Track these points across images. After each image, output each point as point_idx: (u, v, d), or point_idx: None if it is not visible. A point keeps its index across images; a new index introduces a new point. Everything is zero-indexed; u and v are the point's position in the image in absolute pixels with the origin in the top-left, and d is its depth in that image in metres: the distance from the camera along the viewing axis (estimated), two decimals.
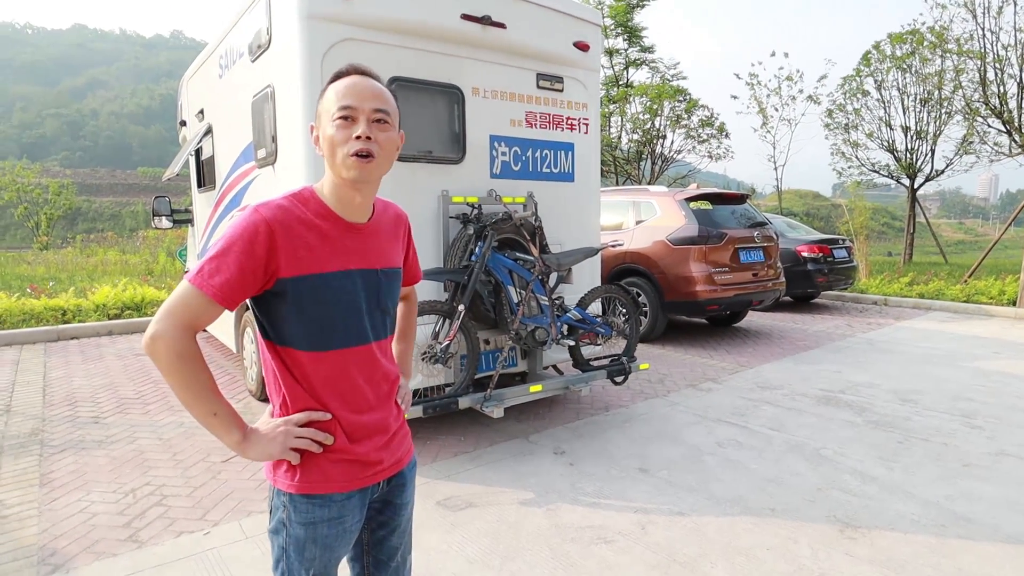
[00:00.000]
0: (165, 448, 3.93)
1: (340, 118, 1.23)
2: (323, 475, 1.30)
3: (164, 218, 7.12)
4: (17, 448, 3.92)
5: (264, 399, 4.80)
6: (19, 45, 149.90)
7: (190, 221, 7.06)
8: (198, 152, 6.03)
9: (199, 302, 1.17)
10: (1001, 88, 10.45)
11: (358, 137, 1.22)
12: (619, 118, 17.72)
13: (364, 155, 1.23)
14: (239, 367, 5.87)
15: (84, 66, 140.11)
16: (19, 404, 4.82)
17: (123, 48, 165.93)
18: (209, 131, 5.47)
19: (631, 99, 17.46)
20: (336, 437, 1.30)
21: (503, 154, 4.10)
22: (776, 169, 18.84)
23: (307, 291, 1.23)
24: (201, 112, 5.79)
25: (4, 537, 2.84)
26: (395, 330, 1.50)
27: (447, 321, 3.66)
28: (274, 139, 3.84)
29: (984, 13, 10.52)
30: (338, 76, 1.28)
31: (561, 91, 4.34)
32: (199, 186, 6.19)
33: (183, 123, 6.65)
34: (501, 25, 3.88)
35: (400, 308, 1.62)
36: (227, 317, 5.33)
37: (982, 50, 10.70)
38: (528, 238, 3.89)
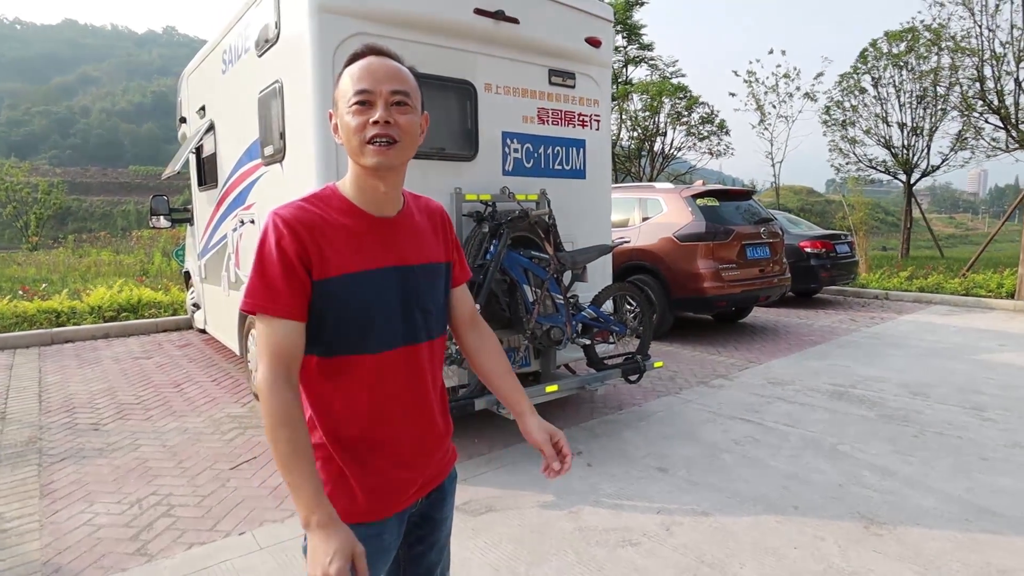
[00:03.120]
0: (170, 456, 3.83)
1: (357, 103, 1.15)
2: (356, 507, 1.21)
3: (162, 217, 7.03)
4: (14, 457, 3.80)
5: None
6: (8, 41, 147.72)
7: (189, 220, 6.96)
8: (199, 150, 5.93)
9: (272, 327, 1.12)
10: (998, 85, 10.48)
11: (375, 122, 1.13)
12: (619, 115, 17.67)
13: (384, 141, 1.14)
14: (242, 370, 5.78)
15: (74, 62, 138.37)
16: (14, 411, 4.70)
17: (114, 44, 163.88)
18: (211, 128, 5.37)
19: (631, 96, 17.42)
20: (370, 460, 1.22)
21: (515, 151, 4.03)
22: (774, 165, 18.85)
23: (340, 293, 1.16)
24: (202, 109, 5.69)
25: (5, 553, 2.72)
26: (482, 357, 1.43)
27: None
28: (282, 136, 3.75)
29: (982, 11, 10.56)
30: (354, 58, 1.19)
31: (573, 87, 4.28)
32: (200, 184, 6.09)
33: (183, 120, 6.54)
34: (514, 20, 3.80)
35: (471, 338, 1.44)
36: (230, 318, 5.24)
37: (980, 47, 10.72)
38: (543, 236, 3.83)
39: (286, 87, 3.64)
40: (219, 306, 5.77)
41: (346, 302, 1.16)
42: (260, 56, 3.98)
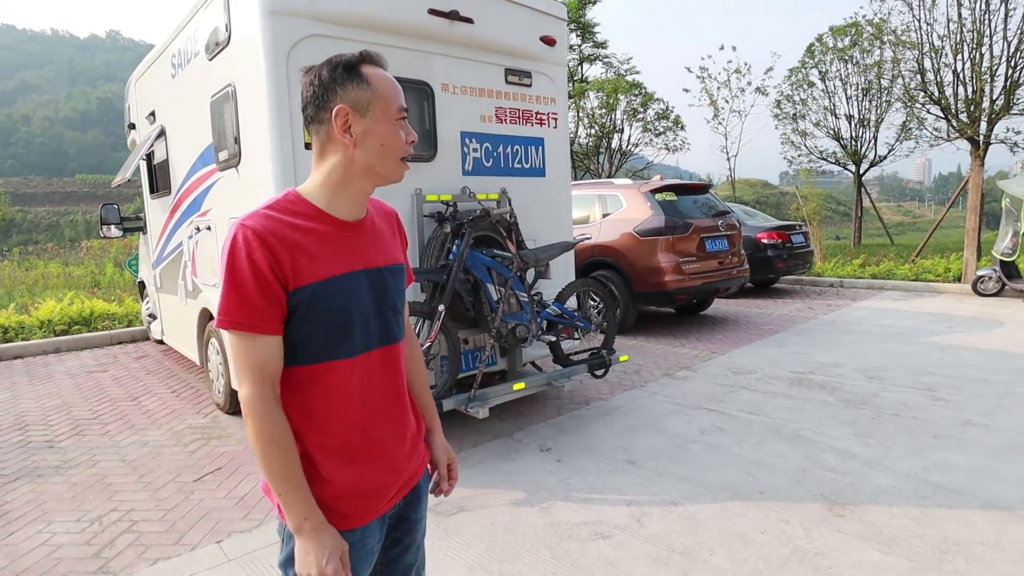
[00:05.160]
0: (130, 470, 3.72)
1: (403, 119, 1.21)
2: (337, 514, 1.20)
3: (113, 226, 6.81)
4: None
5: (234, 411, 4.61)
6: None
7: (141, 229, 6.77)
8: (149, 156, 5.76)
9: (252, 344, 1.12)
10: (938, 77, 10.91)
11: (411, 141, 1.23)
12: (575, 113, 17.84)
13: (410, 158, 1.25)
14: (203, 380, 5.64)
15: (14, 69, 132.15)
16: None
17: (56, 50, 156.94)
18: (162, 134, 5.22)
19: (587, 94, 17.60)
20: (354, 466, 1.22)
21: (475, 150, 4.03)
22: (729, 159, 19.28)
23: (314, 301, 1.15)
24: (152, 114, 5.52)
25: None
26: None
27: (427, 322, 3.58)
28: (237, 140, 3.68)
29: (919, 5, 10.97)
30: (372, 62, 1.20)
31: (529, 86, 4.30)
32: (152, 192, 5.92)
33: (132, 126, 6.34)
34: (469, 20, 3.81)
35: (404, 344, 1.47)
36: (189, 328, 5.11)
37: (919, 41, 11.15)
38: (505, 234, 3.84)
39: (239, 91, 3.57)
40: (176, 316, 5.62)
41: (324, 308, 1.16)
42: (211, 59, 3.89)
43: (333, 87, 1.16)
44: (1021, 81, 10.07)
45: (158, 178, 5.65)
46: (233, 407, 4.58)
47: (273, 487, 1.13)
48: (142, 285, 7.51)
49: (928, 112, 11.95)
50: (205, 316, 4.70)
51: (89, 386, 5.69)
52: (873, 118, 16.58)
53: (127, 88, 6.40)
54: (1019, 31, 10.03)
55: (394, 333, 1.29)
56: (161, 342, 6.82)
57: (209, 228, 4.34)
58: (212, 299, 4.42)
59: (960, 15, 10.46)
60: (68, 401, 5.22)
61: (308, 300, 1.14)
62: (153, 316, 6.78)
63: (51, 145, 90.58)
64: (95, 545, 2.86)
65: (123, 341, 7.85)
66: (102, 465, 3.82)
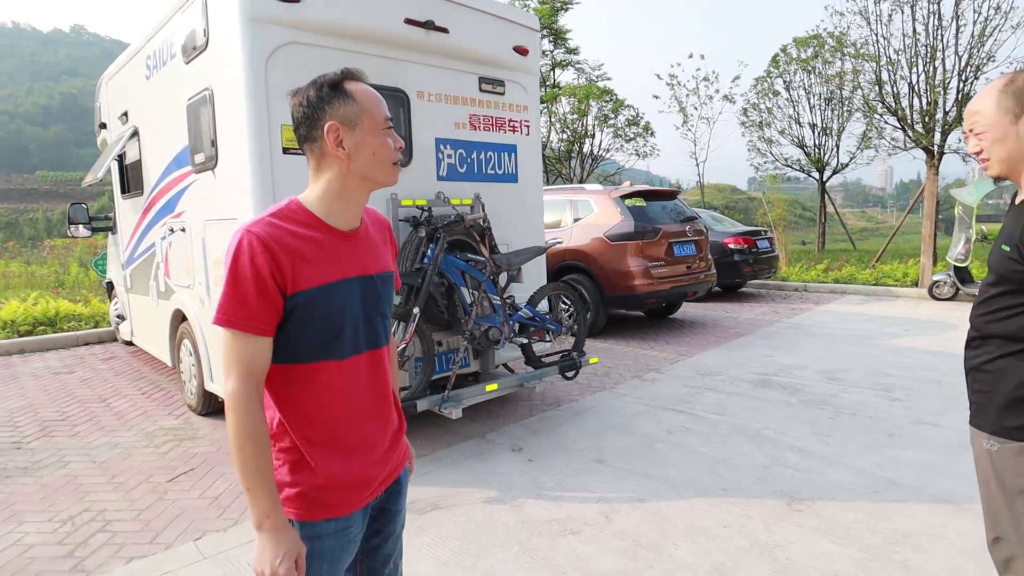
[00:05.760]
0: (101, 471, 3.71)
1: (389, 128, 1.30)
2: (323, 503, 1.29)
3: (81, 226, 6.71)
4: None
5: (206, 413, 4.61)
6: None
7: (110, 228, 6.68)
8: (121, 157, 5.70)
9: (244, 342, 1.19)
10: (895, 88, 11.33)
11: (399, 147, 1.31)
12: (548, 118, 18.01)
13: (401, 162, 1.35)
14: (174, 382, 5.60)
15: None
16: None
17: (17, 43, 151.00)
18: (135, 134, 5.18)
19: (559, 99, 17.78)
20: (341, 459, 1.30)
21: (449, 156, 4.12)
22: (698, 165, 19.63)
23: (311, 305, 1.24)
24: (125, 114, 5.48)
25: None
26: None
27: (402, 324, 3.65)
28: (214, 143, 3.70)
29: (877, 20, 11.41)
30: (354, 78, 1.29)
31: (503, 94, 4.41)
32: (123, 192, 5.86)
33: (103, 126, 6.26)
34: (444, 30, 3.90)
35: None
36: (160, 329, 5.08)
37: (877, 54, 11.57)
38: (478, 239, 3.94)
39: (217, 95, 3.60)
40: (147, 317, 5.58)
41: (319, 312, 1.25)
42: (188, 63, 3.91)
43: (321, 106, 1.25)
44: (971, 94, 10.53)
45: (130, 178, 5.60)
46: (205, 408, 4.58)
47: (243, 481, 1.18)
48: (110, 285, 7.39)
49: (886, 123, 12.39)
50: (178, 317, 4.69)
51: (56, 387, 5.60)
52: (835, 127, 17.06)
53: (98, 87, 6.32)
54: (969, 46, 10.50)
55: (380, 338, 1.38)
56: (130, 343, 6.73)
57: (184, 230, 4.34)
58: (185, 300, 4.42)
59: (915, 30, 10.90)
60: (34, 402, 5.14)
61: (305, 304, 1.23)
62: (122, 317, 6.69)
63: (11, 140, 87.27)
64: (68, 545, 2.87)
65: (90, 342, 7.72)
66: (72, 466, 3.80)
